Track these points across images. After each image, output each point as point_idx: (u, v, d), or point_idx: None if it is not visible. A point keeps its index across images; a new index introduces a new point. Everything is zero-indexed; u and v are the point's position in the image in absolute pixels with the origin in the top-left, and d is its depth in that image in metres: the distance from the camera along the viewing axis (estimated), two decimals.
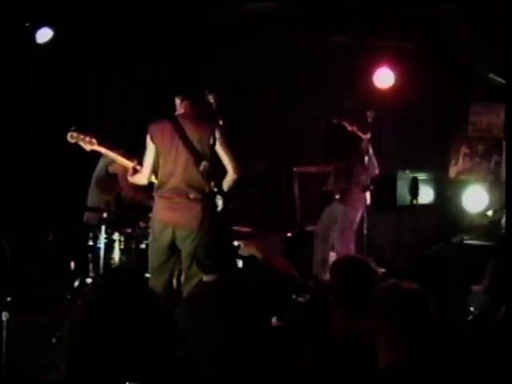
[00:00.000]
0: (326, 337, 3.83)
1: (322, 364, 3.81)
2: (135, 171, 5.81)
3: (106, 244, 6.50)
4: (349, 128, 7.57)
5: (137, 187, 6.55)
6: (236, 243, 5.35)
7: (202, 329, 4.16)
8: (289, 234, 8.35)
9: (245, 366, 4.04)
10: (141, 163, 5.78)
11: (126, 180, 6.62)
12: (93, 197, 7.19)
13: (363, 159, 7.44)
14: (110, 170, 7.03)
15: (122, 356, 2.57)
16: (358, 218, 7.54)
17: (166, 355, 2.63)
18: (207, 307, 4.29)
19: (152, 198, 5.89)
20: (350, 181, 7.48)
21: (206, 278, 4.61)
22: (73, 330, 4.88)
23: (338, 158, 7.70)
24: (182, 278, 5.69)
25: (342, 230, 7.47)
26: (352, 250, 7.40)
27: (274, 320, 4.93)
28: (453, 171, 8.90)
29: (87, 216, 7.14)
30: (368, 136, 7.49)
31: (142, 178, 5.75)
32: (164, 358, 2.63)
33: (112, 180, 7.08)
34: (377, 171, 7.53)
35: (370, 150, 7.49)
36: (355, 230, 7.54)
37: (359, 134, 7.52)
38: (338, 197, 7.53)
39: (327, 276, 7.22)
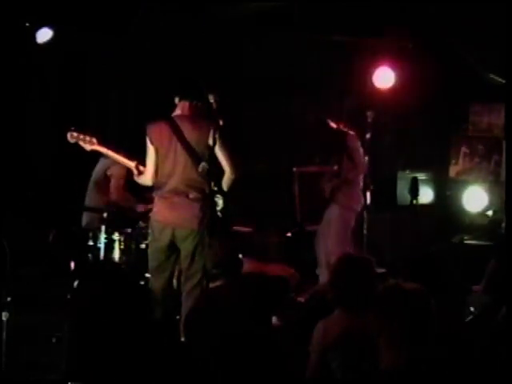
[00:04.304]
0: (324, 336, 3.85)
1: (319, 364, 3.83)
2: (140, 172, 5.80)
3: (105, 244, 6.50)
4: (333, 125, 7.52)
5: (126, 194, 6.80)
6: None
7: (209, 332, 4.19)
8: (289, 234, 8.35)
9: (245, 365, 4.05)
10: (141, 163, 5.78)
11: (118, 184, 6.76)
12: (91, 199, 7.20)
13: (351, 156, 7.40)
14: (108, 173, 7.05)
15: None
16: (352, 217, 7.48)
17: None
18: (216, 311, 4.33)
19: (142, 201, 5.98)
20: (339, 179, 7.45)
21: (212, 285, 4.74)
22: (73, 330, 4.89)
23: (326, 157, 7.68)
24: (182, 278, 5.70)
25: (335, 230, 7.41)
26: (348, 250, 7.37)
27: (274, 320, 4.95)
28: (453, 171, 8.90)
29: (86, 220, 7.14)
30: (368, 136, 7.49)
31: (147, 178, 5.74)
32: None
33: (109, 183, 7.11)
34: (366, 169, 7.46)
35: (359, 147, 7.45)
36: (351, 229, 7.49)
37: (345, 130, 7.49)
38: (328, 196, 7.50)
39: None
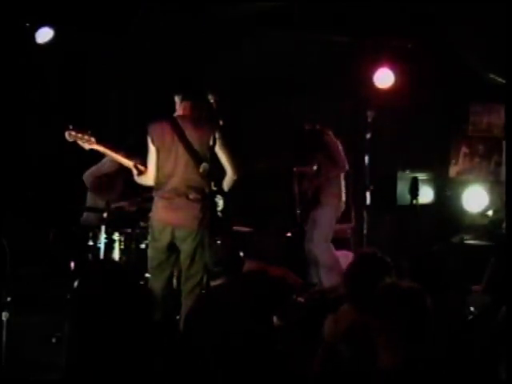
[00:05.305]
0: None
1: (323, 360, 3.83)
2: (140, 172, 5.78)
3: (105, 244, 6.50)
4: (307, 127, 7.56)
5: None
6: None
7: (210, 331, 4.19)
8: (289, 234, 8.35)
9: (246, 365, 4.06)
10: (141, 163, 5.77)
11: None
12: (89, 199, 7.22)
13: (330, 155, 7.43)
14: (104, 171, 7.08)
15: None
16: (335, 215, 7.53)
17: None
18: (217, 310, 4.32)
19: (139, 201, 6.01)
20: (319, 179, 7.48)
21: (213, 283, 4.73)
22: (73, 330, 4.88)
23: (304, 160, 7.72)
24: (182, 278, 5.69)
25: (319, 229, 7.46)
26: (331, 248, 7.42)
27: (274, 320, 4.94)
28: (453, 171, 8.90)
29: (86, 217, 7.14)
30: (368, 136, 7.50)
31: (148, 178, 5.74)
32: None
33: (106, 185, 7.11)
34: (346, 166, 7.50)
35: (338, 145, 7.47)
36: (333, 227, 7.54)
37: (321, 129, 7.52)
38: (311, 197, 7.55)
39: (323, 278, 7.30)
